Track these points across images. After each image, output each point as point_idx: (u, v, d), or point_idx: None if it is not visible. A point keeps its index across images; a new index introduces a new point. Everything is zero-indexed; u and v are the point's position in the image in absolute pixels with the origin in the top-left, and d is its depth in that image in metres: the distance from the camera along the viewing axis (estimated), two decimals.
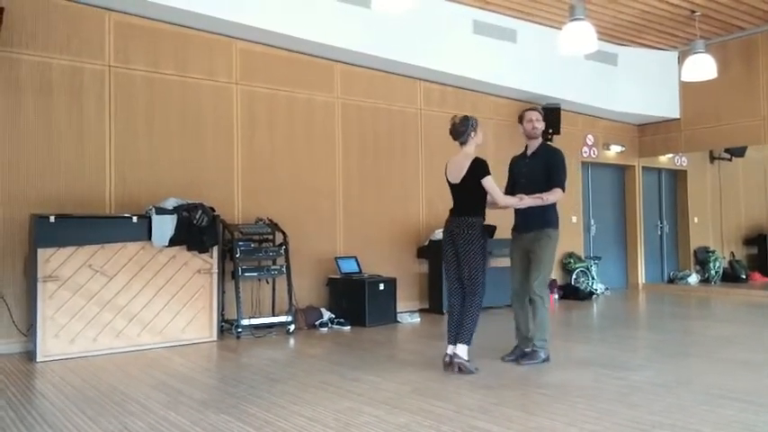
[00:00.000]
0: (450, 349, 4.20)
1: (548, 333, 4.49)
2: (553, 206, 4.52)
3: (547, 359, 4.45)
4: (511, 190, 4.67)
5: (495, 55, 7.61)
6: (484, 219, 4.26)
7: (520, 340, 4.59)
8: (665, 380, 3.93)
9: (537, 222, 4.46)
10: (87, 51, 5.45)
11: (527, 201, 4.40)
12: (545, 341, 4.47)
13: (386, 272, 6.84)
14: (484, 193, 4.21)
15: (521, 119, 4.70)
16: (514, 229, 4.69)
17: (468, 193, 4.25)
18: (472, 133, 4.30)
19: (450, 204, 4.43)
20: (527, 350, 4.48)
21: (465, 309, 4.20)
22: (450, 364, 4.14)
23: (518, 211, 4.59)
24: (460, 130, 4.29)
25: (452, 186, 4.34)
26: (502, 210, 4.50)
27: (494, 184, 4.23)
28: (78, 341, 4.83)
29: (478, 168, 4.20)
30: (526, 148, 4.73)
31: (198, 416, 3.26)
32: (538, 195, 4.40)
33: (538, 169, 4.52)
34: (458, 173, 4.26)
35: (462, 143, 4.32)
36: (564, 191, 4.49)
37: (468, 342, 4.15)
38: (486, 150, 8.17)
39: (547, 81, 8.13)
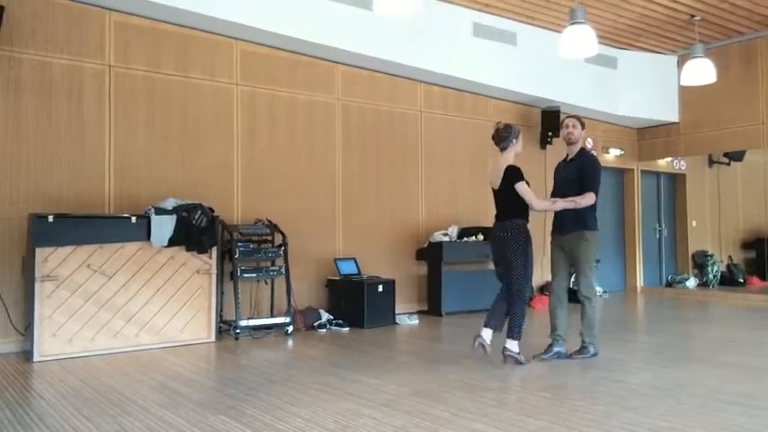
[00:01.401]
0: (483, 332, 4.43)
1: (596, 330, 4.70)
2: (590, 209, 4.65)
3: (595, 354, 4.66)
4: (553, 193, 4.87)
5: (496, 57, 7.62)
6: (527, 221, 4.47)
7: (554, 339, 4.73)
8: (664, 383, 3.93)
9: (573, 224, 4.63)
10: (88, 51, 5.44)
11: (560, 204, 4.61)
12: (594, 337, 4.69)
13: (385, 273, 6.83)
14: (519, 197, 4.41)
15: (560, 125, 5.01)
16: (553, 231, 4.87)
17: (507, 198, 4.48)
18: (514, 140, 4.52)
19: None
20: (552, 347, 4.71)
21: (510, 305, 4.45)
22: (485, 348, 4.38)
23: (556, 214, 4.78)
24: (503, 135, 4.50)
25: (494, 192, 4.58)
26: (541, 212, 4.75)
27: (526, 189, 4.41)
28: (76, 341, 4.82)
29: (511, 175, 4.42)
30: (567, 155, 4.93)
31: (196, 417, 3.25)
32: (571, 199, 4.58)
33: (574, 174, 4.71)
34: (497, 179, 4.50)
35: (503, 149, 4.53)
36: (597, 195, 4.64)
37: (517, 336, 4.41)
38: (485, 153, 8.20)
39: (547, 84, 8.13)
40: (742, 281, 10.07)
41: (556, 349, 4.68)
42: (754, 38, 8.47)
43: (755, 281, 10.07)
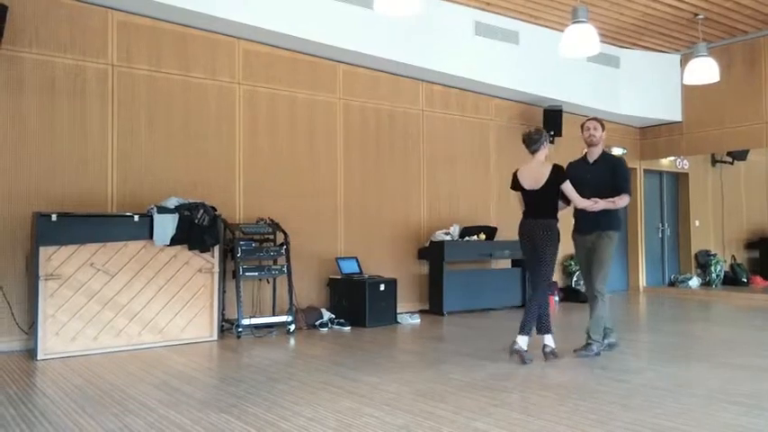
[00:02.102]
0: (519, 339, 4.52)
1: (602, 328, 4.76)
2: (615, 210, 4.81)
3: (598, 354, 4.71)
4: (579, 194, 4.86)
5: (498, 56, 7.61)
6: (557, 220, 4.64)
7: (605, 333, 4.83)
8: (666, 383, 3.93)
9: (599, 224, 4.75)
10: (90, 50, 5.45)
11: (601, 204, 4.67)
12: (599, 335, 4.76)
13: (386, 272, 6.84)
14: (557, 197, 4.61)
15: (582, 128, 5.04)
16: (576, 231, 4.98)
17: (546, 198, 4.63)
18: (545, 143, 4.70)
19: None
20: (611, 341, 4.87)
21: (539, 302, 4.62)
22: (521, 355, 4.48)
23: (580, 214, 4.86)
24: (534, 138, 4.67)
25: (529, 192, 4.68)
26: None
27: (572, 188, 4.60)
28: (79, 339, 4.83)
29: (558, 174, 4.60)
30: (586, 154, 5.01)
31: (198, 415, 3.26)
32: (611, 200, 4.69)
33: (602, 176, 4.80)
34: (535, 180, 4.63)
35: (534, 152, 4.69)
36: (630, 196, 4.84)
37: (550, 331, 4.65)
38: (487, 151, 8.20)
39: (549, 83, 8.13)
40: (745, 280, 10.04)
41: (606, 341, 4.86)
42: (758, 37, 8.44)
43: (759, 280, 10.04)
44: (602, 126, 4.97)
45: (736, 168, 10.47)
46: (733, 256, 10.42)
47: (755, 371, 4.29)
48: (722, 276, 9.95)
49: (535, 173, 4.65)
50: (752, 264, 10.46)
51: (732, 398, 3.55)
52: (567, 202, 4.72)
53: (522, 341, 4.52)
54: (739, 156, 10.13)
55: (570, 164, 5.02)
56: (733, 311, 7.77)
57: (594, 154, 4.95)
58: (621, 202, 4.75)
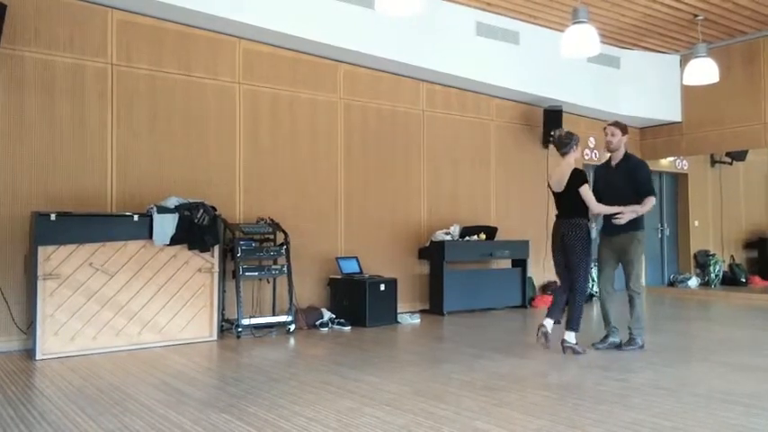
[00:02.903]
0: (546, 321, 4.79)
1: (643, 322, 5.02)
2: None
3: (642, 346, 4.94)
4: (597, 197, 4.92)
5: (498, 57, 7.61)
6: (588, 219, 4.81)
7: (609, 330, 5.06)
8: (666, 382, 3.93)
9: (625, 226, 4.88)
10: (90, 49, 5.44)
11: (627, 216, 4.82)
12: (641, 329, 4.99)
13: (387, 272, 6.83)
14: (580, 198, 4.73)
15: (604, 132, 5.19)
16: (603, 232, 5.14)
17: (571, 199, 4.79)
18: (574, 146, 4.84)
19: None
20: (609, 338, 5.04)
21: (570, 300, 4.82)
22: (544, 335, 4.76)
23: (606, 217, 4.97)
24: (564, 141, 4.83)
25: (556, 194, 4.88)
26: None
27: (588, 192, 4.75)
28: (78, 339, 4.83)
29: (576, 178, 4.74)
30: (609, 158, 5.15)
31: (198, 415, 3.25)
32: (632, 209, 4.84)
33: (623, 179, 4.94)
34: (559, 182, 4.81)
35: (564, 154, 4.85)
36: (655, 196, 5.00)
37: (575, 329, 4.77)
38: (488, 151, 8.20)
39: (549, 83, 8.13)
40: (744, 280, 10.05)
41: (611, 339, 5.02)
42: (757, 37, 8.45)
43: (757, 280, 10.05)
44: (623, 130, 5.09)
45: (735, 169, 10.48)
46: (732, 256, 10.42)
47: (755, 370, 4.30)
48: (721, 276, 9.95)
49: (561, 175, 4.82)
50: (750, 264, 10.47)
51: (732, 397, 3.55)
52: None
53: (570, 336, 4.78)
54: (738, 156, 10.13)
55: (596, 168, 5.22)
56: (732, 311, 7.77)
57: (617, 158, 5.09)
58: (646, 207, 4.88)
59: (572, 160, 4.84)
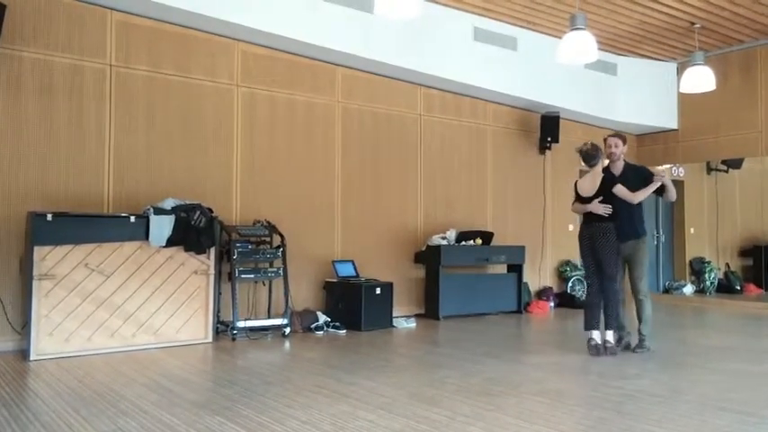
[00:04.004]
0: (594, 334, 5.01)
1: (651, 326, 5.21)
2: (642, 218, 5.28)
3: (649, 348, 5.14)
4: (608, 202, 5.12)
5: (496, 62, 7.64)
6: (615, 223, 5.03)
7: (621, 333, 5.25)
8: (660, 389, 3.94)
9: (634, 233, 5.16)
10: (89, 50, 5.45)
11: (640, 194, 5.07)
12: (649, 333, 5.18)
13: (383, 276, 6.84)
14: (609, 203, 5.02)
15: (604, 143, 5.38)
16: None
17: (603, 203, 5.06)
18: (601, 158, 5.14)
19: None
20: (621, 338, 5.24)
21: (606, 299, 5.04)
22: (600, 348, 4.95)
23: (620, 223, 5.10)
24: (592, 154, 5.11)
25: (586, 200, 5.15)
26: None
27: (623, 189, 5.02)
28: (73, 340, 4.81)
29: (608, 183, 5.06)
30: (609, 167, 5.33)
31: (192, 417, 3.25)
32: (663, 180, 5.13)
33: (629, 187, 5.07)
34: (591, 188, 5.11)
35: (593, 165, 5.14)
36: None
37: (614, 327, 5.02)
38: (484, 156, 8.22)
39: (546, 89, 8.15)
40: (739, 288, 10.07)
41: (625, 340, 5.23)
42: (754, 46, 8.49)
43: (752, 288, 10.07)
44: (624, 141, 5.33)
45: (730, 176, 10.51)
46: (727, 263, 10.45)
47: (749, 378, 4.31)
48: (716, 284, 9.98)
49: (592, 183, 5.12)
50: (745, 271, 10.49)
51: (726, 405, 3.56)
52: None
53: (610, 335, 4.99)
54: (734, 164, 10.17)
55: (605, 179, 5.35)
56: (727, 318, 7.79)
57: (618, 168, 5.29)
58: (658, 184, 5.14)
59: (600, 170, 5.13)
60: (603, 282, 5.05)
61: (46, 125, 5.23)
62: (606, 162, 5.24)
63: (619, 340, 5.20)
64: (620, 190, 5.01)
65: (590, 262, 5.16)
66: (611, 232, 5.00)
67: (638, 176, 5.20)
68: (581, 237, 5.20)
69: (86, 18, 5.43)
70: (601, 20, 7.44)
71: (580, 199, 5.21)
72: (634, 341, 5.21)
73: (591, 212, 5.09)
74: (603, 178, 5.06)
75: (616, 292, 5.05)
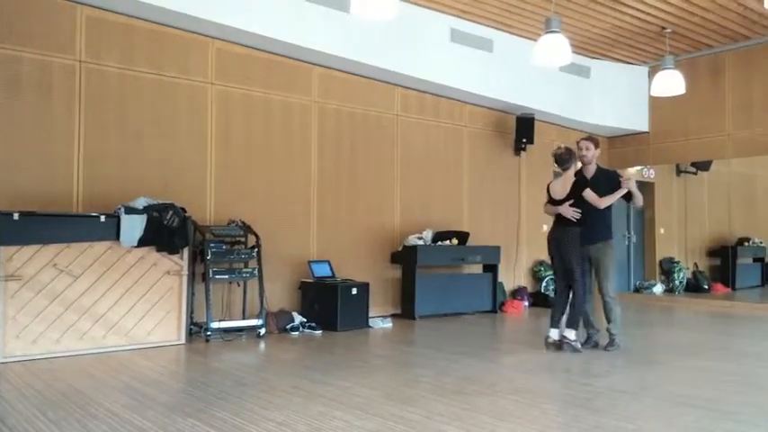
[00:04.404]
0: (552, 332, 5.17)
1: (620, 325, 5.30)
2: (610, 222, 5.36)
3: (619, 346, 5.22)
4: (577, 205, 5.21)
5: (472, 64, 7.68)
6: (583, 227, 5.11)
7: (591, 331, 5.38)
8: (630, 386, 4.00)
9: (601, 236, 5.24)
10: (58, 45, 5.33)
11: (606, 200, 5.16)
12: (619, 332, 5.27)
13: (359, 276, 6.82)
14: (579, 207, 5.09)
15: (577, 146, 5.43)
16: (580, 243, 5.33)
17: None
18: (574, 162, 5.22)
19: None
20: (590, 337, 5.35)
21: (571, 298, 5.17)
22: (557, 345, 5.11)
23: (586, 226, 5.17)
24: (565, 158, 5.18)
25: (557, 202, 5.22)
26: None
27: (592, 193, 5.11)
28: (41, 342, 4.70)
29: (578, 187, 5.13)
30: (581, 170, 5.36)
31: (164, 420, 3.20)
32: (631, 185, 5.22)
33: (600, 190, 5.15)
34: (562, 191, 5.18)
35: (565, 169, 5.21)
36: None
37: (575, 327, 5.10)
38: (461, 157, 8.26)
39: (522, 91, 8.23)
40: (707, 287, 10.30)
41: (594, 339, 5.34)
42: (722, 51, 8.69)
43: (719, 287, 10.31)
44: (596, 144, 5.39)
45: (699, 178, 10.75)
46: (695, 263, 10.68)
47: (716, 374, 4.41)
48: (685, 283, 10.19)
49: (563, 187, 5.20)
50: (713, 271, 10.73)
51: (693, 401, 3.63)
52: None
53: (570, 333, 5.09)
54: (703, 166, 10.40)
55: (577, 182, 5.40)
56: (694, 317, 7.96)
57: (590, 171, 5.35)
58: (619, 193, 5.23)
59: (572, 174, 5.20)
60: (569, 283, 5.17)
61: (12, 122, 5.10)
62: (579, 165, 5.32)
63: (588, 339, 5.31)
64: (588, 194, 5.09)
65: (557, 263, 5.28)
66: (577, 236, 5.09)
67: (609, 181, 5.29)
68: (549, 239, 5.32)
69: (55, 12, 5.32)
70: (575, 23, 7.54)
71: (552, 201, 5.30)
72: (604, 340, 5.30)
73: (561, 215, 5.17)
74: (575, 182, 5.14)
75: (581, 293, 5.11)
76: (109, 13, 5.55)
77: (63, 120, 5.34)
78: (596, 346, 5.29)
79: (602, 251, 5.24)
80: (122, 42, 5.64)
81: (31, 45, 5.20)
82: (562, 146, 5.27)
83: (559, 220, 5.22)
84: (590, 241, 5.19)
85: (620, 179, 5.27)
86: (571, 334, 5.09)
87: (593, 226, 5.15)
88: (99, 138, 5.50)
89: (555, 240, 5.23)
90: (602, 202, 5.12)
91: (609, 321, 5.26)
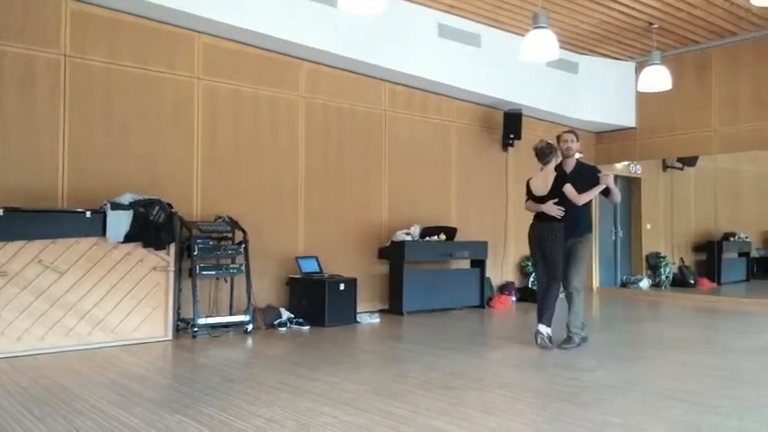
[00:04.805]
0: (541, 327, 5.06)
1: (581, 322, 5.19)
2: (589, 215, 5.37)
3: (579, 344, 5.12)
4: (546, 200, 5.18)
5: (460, 59, 7.68)
6: (562, 222, 5.07)
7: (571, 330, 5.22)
8: (616, 381, 4.04)
9: (577, 230, 5.19)
10: (42, 39, 5.27)
11: (584, 196, 5.12)
12: (579, 328, 5.16)
13: (346, 272, 6.82)
14: (562, 203, 5.05)
15: (558, 139, 5.39)
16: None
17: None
18: (555, 156, 5.15)
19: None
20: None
21: (548, 297, 5.10)
22: (546, 339, 5.02)
23: (563, 219, 5.13)
24: (546, 152, 5.13)
25: (539, 198, 5.17)
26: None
27: (571, 189, 5.06)
28: (25, 339, 4.66)
29: (559, 182, 5.08)
30: (562, 164, 5.29)
31: (151, 416, 3.18)
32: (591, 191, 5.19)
33: (581, 184, 5.13)
34: (544, 187, 5.12)
35: (546, 163, 5.15)
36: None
37: (548, 323, 5.03)
38: (448, 153, 8.27)
39: (509, 86, 8.24)
40: (693, 282, 10.39)
41: (582, 335, 5.21)
42: (708, 47, 8.75)
43: (705, 282, 10.41)
44: (578, 137, 5.39)
45: (685, 174, 10.83)
46: (681, 258, 10.77)
47: (702, 368, 4.45)
48: (671, 278, 10.28)
49: (544, 182, 5.15)
50: (699, 266, 10.83)
51: (679, 395, 3.66)
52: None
53: (543, 329, 5.03)
54: (689, 162, 10.48)
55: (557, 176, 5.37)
56: (680, 312, 8.04)
57: (570, 165, 5.31)
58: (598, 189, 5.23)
59: (552, 168, 5.14)
60: (550, 280, 5.11)
61: None
62: (560, 160, 5.24)
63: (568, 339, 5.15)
64: (567, 190, 5.05)
65: (539, 259, 5.21)
66: (560, 232, 5.05)
67: (589, 175, 5.26)
68: (531, 235, 5.26)
69: (40, 6, 5.25)
70: (562, 18, 7.56)
71: (533, 197, 5.24)
72: (587, 334, 5.26)
73: (543, 212, 5.12)
74: (556, 176, 5.09)
75: (557, 291, 5.08)
76: (94, 7, 5.50)
77: (48, 115, 5.28)
78: (585, 340, 5.21)
79: (581, 244, 5.21)
80: (108, 37, 5.58)
81: (16, 39, 5.13)
82: (543, 140, 5.24)
83: (541, 216, 5.17)
84: (569, 235, 5.15)
85: (599, 175, 5.24)
86: (543, 329, 5.04)
87: (571, 220, 5.11)
88: (84, 133, 5.45)
89: (537, 238, 5.17)
90: (581, 199, 5.08)
91: (569, 315, 5.15)
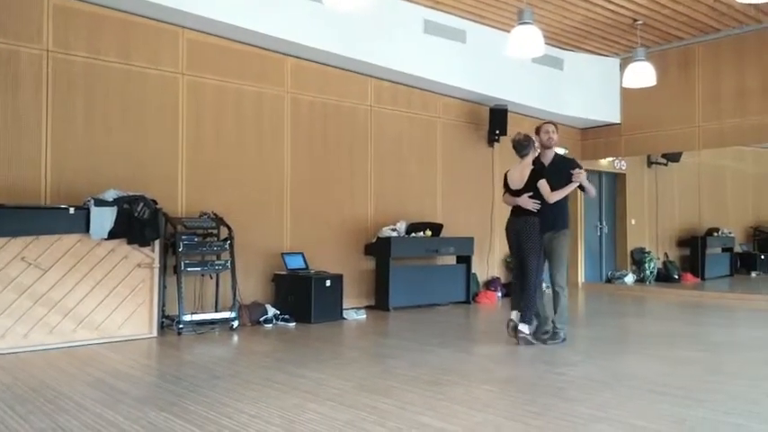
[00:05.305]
0: (513, 315, 5.10)
1: (566, 318, 5.22)
2: (566, 210, 5.32)
3: (564, 339, 5.13)
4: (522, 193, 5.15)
5: (445, 55, 7.68)
6: (539, 217, 5.04)
7: (541, 323, 5.26)
8: (602, 375, 4.07)
9: (554, 225, 5.15)
10: (25, 35, 5.19)
11: (557, 194, 5.06)
12: (564, 324, 5.19)
13: (333, 268, 6.80)
14: (538, 197, 5.02)
15: (538, 131, 5.36)
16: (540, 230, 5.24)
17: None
18: (532, 149, 5.13)
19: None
20: (547, 330, 5.20)
21: (523, 289, 5.07)
22: (515, 329, 5.03)
23: (542, 215, 5.09)
24: (524, 144, 5.11)
25: (514, 192, 5.15)
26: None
27: (546, 186, 5.03)
28: (8, 337, 4.60)
29: (535, 176, 5.06)
30: (540, 156, 5.27)
31: (136, 414, 3.15)
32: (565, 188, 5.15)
33: (559, 177, 5.11)
34: (520, 180, 5.09)
35: (523, 156, 5.13)
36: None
37: (528, 321, 5.01)
38: (434, 149, 8.28)
39: (495, 83, 8.26)
40: (677, 277, 10.51)
41: (545, 328, 5.24)
42: (692, 43, 8.83)
43: (689, 277, 10.53)
44: (557, 129, 5.38)
45: (669, 170, 10.93)
46: (666, 253, 10.88)
47: (685, 363, 4.50)
48: (655, 273, 10.38)
49: (520, 175, 5.12)
50: (683, 261, 10.96)
51: (665, 389, 3.70)
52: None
53: (524, 327, 5.00)
54: (673, 158, 10.58)
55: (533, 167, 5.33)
56: (665, 306, 8.12)
57: (549, 157, 5.31)
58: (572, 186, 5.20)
59: (530, 161, 5.11)
60: (527, 276, 5.07)
61: None
62: (538, 152, 5.20)
63: (543, 332, 5.18)
64: (542, 186, 5.01)
65: (516, 253, 5.18)
66: (536, 227, 5.02)
67: (568, 168, 5.21)
68: (508, 230, 5.24)
69: (22, 0, 5.17)
70: (547, 14, 7.58)
71: (510, 191, 5.21)
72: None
73: (519, 206, 5.10)
74: (533, 170, 5.06)
75: (533, 286, 5.03)
76: (77, 2, 5.43)
77: (30, 110, 5.21)
78: (555, 336, 5.14)
79: (558, 240, 5.17)
80: (91, 32, 5.51)
81: None
82: (521, 133, 5.21)
83: (517, 210, 5.14)
84: (546, 230, 5.11)
85: (572, 172, 5.15)
86: (525, 328, 5.00)
87: (547, 214, 5.06)
88: (67, 128, 5.38)
89: (514, 232, 5.14)
90: (553, 197, 5.01)
91: (555, 312, 5.16)
